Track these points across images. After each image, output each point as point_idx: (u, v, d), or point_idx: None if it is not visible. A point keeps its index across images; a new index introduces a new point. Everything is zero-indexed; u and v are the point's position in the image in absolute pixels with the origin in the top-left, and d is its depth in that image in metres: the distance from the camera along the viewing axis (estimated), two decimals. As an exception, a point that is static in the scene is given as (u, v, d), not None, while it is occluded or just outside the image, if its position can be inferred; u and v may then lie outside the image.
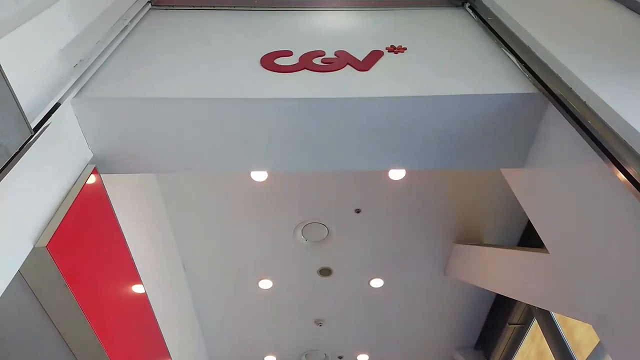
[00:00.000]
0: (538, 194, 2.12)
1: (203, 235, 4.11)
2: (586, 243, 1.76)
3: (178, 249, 4.18)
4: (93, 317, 1.94)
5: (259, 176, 3.63)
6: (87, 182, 1.88)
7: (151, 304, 2.89)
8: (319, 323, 5.13)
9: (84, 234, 1.91)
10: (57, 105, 1.71)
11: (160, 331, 3.11)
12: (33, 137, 1.53)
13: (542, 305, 2.75)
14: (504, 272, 3.19)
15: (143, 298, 2.77)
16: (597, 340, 2.84)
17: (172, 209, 3.88)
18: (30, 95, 1.62)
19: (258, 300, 4.79)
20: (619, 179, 1.49)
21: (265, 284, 4.65)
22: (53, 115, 1.67)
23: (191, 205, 3.87)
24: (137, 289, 2.68)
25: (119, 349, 2.30)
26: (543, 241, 2.10)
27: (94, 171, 1.96)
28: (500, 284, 3.25)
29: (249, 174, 3.61)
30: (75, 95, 1.85)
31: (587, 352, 2.96)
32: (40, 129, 1.58)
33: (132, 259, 2.49)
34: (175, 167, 2.21)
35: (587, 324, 3.09)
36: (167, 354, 3.31)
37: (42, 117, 1.62)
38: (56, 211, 1.71)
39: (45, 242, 1.56)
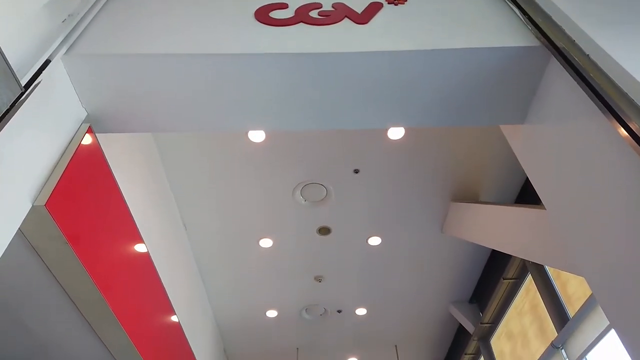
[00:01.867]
0: (537, 150, 2.11)
1: (202, 194, 4.13)
2: (584, 199, 1.77)
3: (178, 208, 4.22)
4: (95, 274, 1.99)
5: (257, 136, 3.61)
6: (83, 141, 1.87)
7: (154, 261, 2.95)
8: (318, 279, 5.26)
9: (82, 193, 1.91)
10: (47, 62, 1.67)
11: (164, 288, 3.20)
12: (24, 95, 1.50)
13: (538, 260, 2.81)
14: (501, 228, 3.23)
15: (145, 256, 2.83)
16: (589, 293, 2.93)
17: (170, 169, 3.88)
18: (18, 52, 1.57)
19: (259, 258, 4.89)
20: (620, 135, 1.48)
21: (266, 242, 4.72)
22: (44, 72, 1.63)
23: (189, 165, 3.87)
24: (139, 247, 2.73)
25: (123, 304, 2.37)
26: (541, 198, 2.11)
27: (89, 130, 1.94)
28: (496, 240, 3.31)
29: (247, 134, 3.58)
30: (66, 52, 1.80)
31: (579, 304, 3.06)
32: (31, 87, 1.55)
33: (132, 218, 2.51)
34: (171, 126, 2.19)
35: (579, 278, 3.17)
36: (172, 309, 3.42)
37: (33, 74, 1.58)
38: (53, 170, 1.70)
39: (43, 200, 1.56)
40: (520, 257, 2.94)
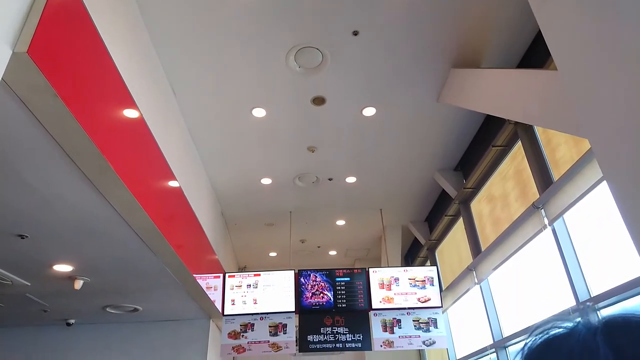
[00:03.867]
0: (557, 3, 1.94)
1: (189, 59, 3.89)
2: (602, 57, 1.69)
3: (165, 73, 4.01)
4: (91, 130, 1.93)
5: (247, -11, 3.24)
6: (55, -19, 1.63)
7: (148, 126, 2.88)
8: (311, 149, 5.35)
9: (65, 43, 1.75)
10: None
11: (162, 153, 3.20)
12: None
13: (538, 123, 2.82)
14: (503, 92, 3.18)
15: (140, 120, 2.76)
16: (577, 157, 3.03)
17: (153, 30, 3.56)
18: None
19: (252, 127, 4.86)
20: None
21: (259, 112, 4.64)
22: None
23: (173, 26, 3.55)
24: (132, 112, 2.64)
25: (123, 163, 2.37)
26: (553, 56, 2.02)
27: (60, -32, 1.68)
28: (497, 105, 3.28)
29: (235, -14, 3.21)
30: None
31: (564, 169, 3.19)
32: None
33: (122, 78, 2.37)
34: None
35: (570, 143, 3.26)
36: (172, 173, 3.48)
37: None
38: (28, 15, 1.52)
39: (24, 47, 1.42)
40: (520, 121, 2.94)
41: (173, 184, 3.56)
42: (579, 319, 0.41)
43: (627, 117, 1.56)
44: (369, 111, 4.69)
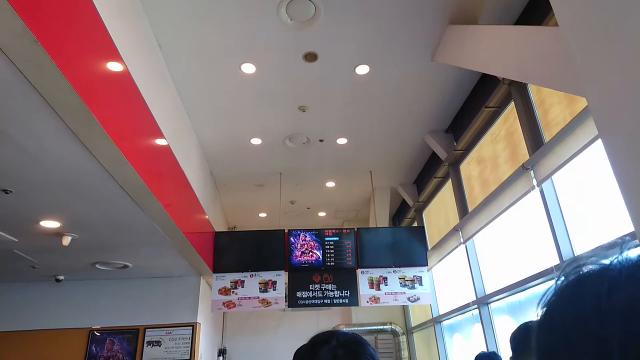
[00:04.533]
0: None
1: (176, 9, 3.70)
2: (605, 13, 1.64)
3: (150, 25, 3.82)
4: (73, 79, 1.84)
5: None
6: None
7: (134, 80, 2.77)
8: (302, 109, 5.25)
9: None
10: None
11: (149, 109, 3.10)
12: None
13: (536, 81, 2.77)
14: (501, 50, 3.10)
15: (125, 74, 2.64)
16: (569, 119, 3.03)
17: (137, -25, 3.36)
18: None
19: (241, 84, 4.73)
20: None
21: (248, 67, 4.50)
22: None
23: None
24: (115, 65, 2.52)
25: (109, 116, 2.29)
26: (555, 13, 1.95)
27: None
28: (494, 63, 3.20)
29: None
30: None
31: (556, 130, 3.19)
32: None
33: (105, 27, 2.24)
34: None
35: (563, 104, 3.24)
36: (160, 131, 3.39)
37: None
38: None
39: (-3, -16, 1.31)
40: (517, 79, 2.89)
41: (161, 141, 3.48)
42: (616, 255, 0.40)
43: (627, 76, 1.54)
44: (363, 69, 4.58)
